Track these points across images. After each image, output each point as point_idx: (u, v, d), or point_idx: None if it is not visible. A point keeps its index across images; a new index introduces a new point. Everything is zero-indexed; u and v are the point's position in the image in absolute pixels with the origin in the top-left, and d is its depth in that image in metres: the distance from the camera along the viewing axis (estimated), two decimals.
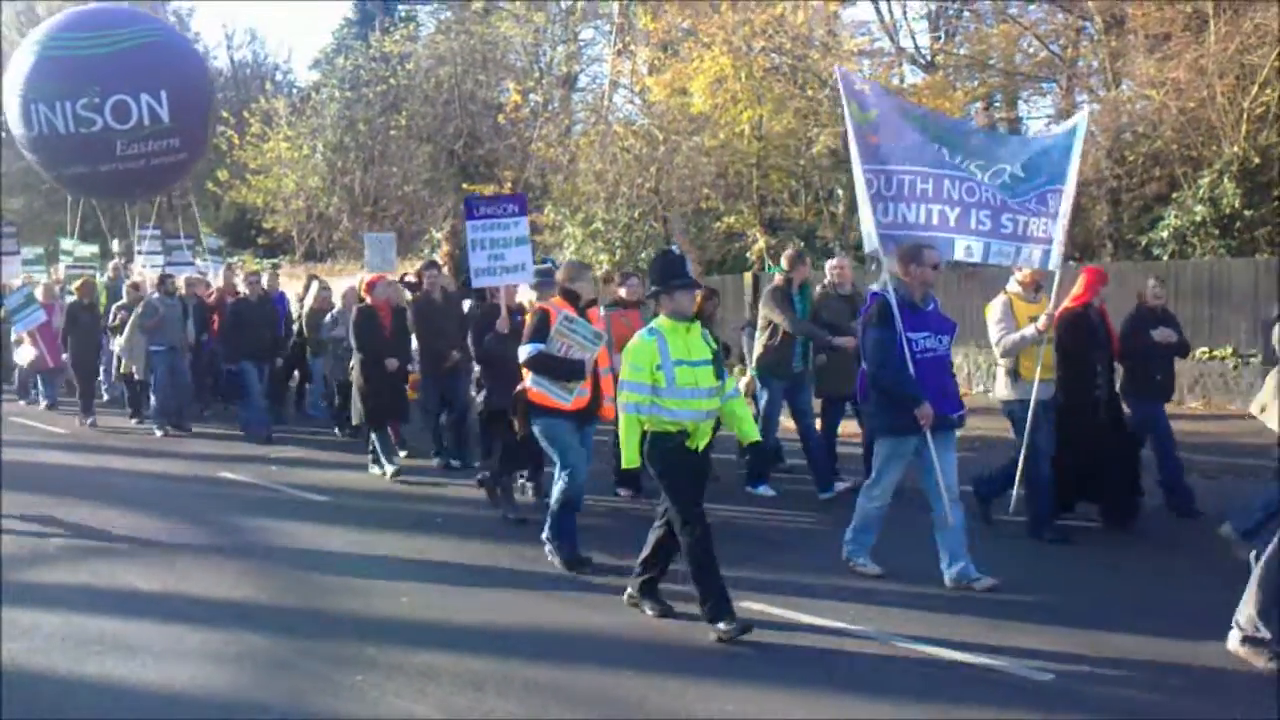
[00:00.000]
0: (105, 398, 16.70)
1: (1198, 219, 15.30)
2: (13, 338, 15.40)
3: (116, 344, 14.68)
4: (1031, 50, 22.28)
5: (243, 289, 14.48)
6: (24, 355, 15.61)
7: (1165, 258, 15.37)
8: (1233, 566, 7.21)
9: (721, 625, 5.78)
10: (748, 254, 20.48)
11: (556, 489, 7.37)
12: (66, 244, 22.60)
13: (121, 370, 14.62)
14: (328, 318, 13.40)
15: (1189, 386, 13.95)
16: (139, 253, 19.83)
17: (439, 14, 33.79)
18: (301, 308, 14.97)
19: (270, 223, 29.81)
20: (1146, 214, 17.25)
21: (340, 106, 28.49)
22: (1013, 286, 8.07)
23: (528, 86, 27.25)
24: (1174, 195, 16.30)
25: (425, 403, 11.40)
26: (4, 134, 26.50)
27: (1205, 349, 13.98)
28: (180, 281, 15.03)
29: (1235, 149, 15.41)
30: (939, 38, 23.60)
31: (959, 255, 7.79)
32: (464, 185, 25.33)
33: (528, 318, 7.69)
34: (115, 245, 22.50)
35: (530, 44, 28.85)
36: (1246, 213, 15.10)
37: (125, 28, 18.40)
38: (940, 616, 6.18)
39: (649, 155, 20.38)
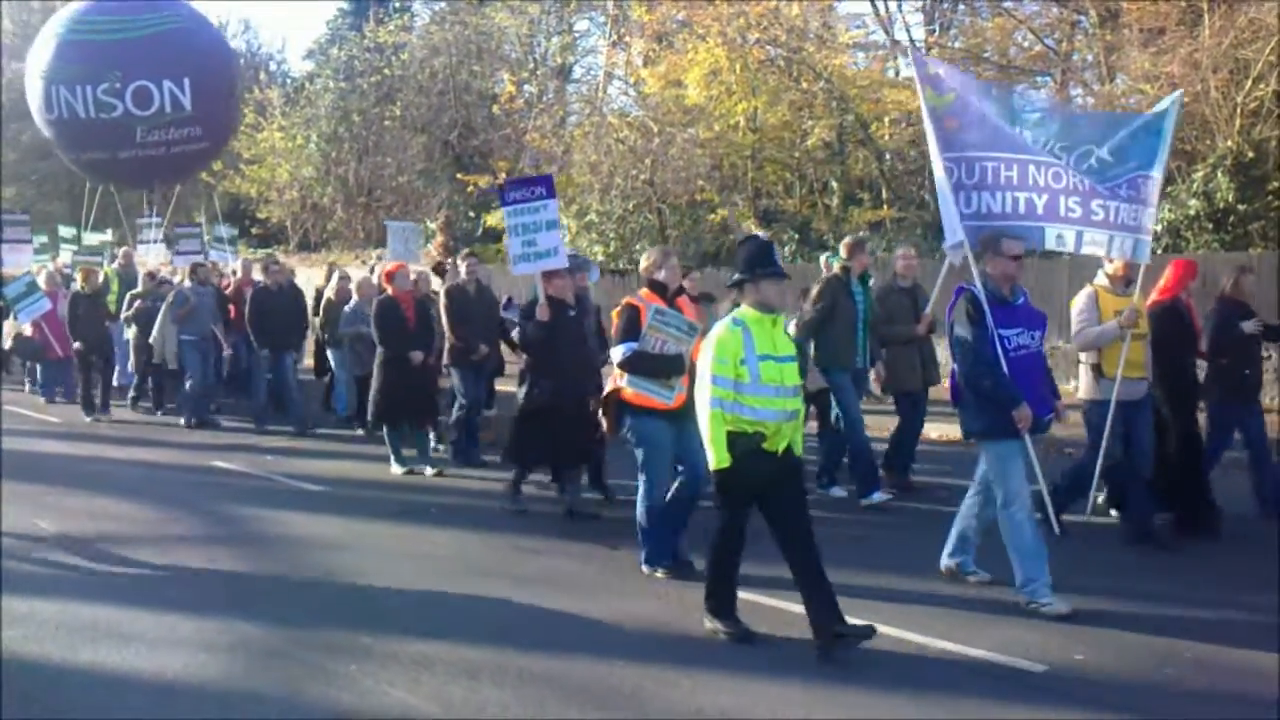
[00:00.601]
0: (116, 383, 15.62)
1: (1191, 213, 15.31)
2: (16, 329, 14.83)
3: (131, 334, 14.42)
4: (1026, 44, 22.26)
5: (258, 276, 14.08)
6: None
7: (1158, 251, 15.38)
8: (1232, 564, 7.25)
9: (721, 625, 5.72)
10: None
11: (638, 499, 6.87)
12: (65, 231, 22.41)
13: (154, 359, 14.15)
14: (344, 310, 12.78)
15: None
16: (141, 241, 19.60)
17: (433, 4, 33.76)
18: (322, 299, 14.65)
19: (264, 213, 29.77)
20: None
21: (335, 97, 28.50)
22: (1100, 279, 7.59)
23: (522, 77, 27.23)
24: (1168, 189, 16.30)
25: (455, 392, 11.00)
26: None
27: None
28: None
29: (1229, 143, 15.42)
30: (934, 31, 23.57)
31: (1050, 244, 7.37)
32: (458, 176, 25.34)
33: (613, 316, 7.14)
34: (110, 234, 22.37)
35: (525, 35, 28.86)
36: (1240, 207, 15.11)
37: (148, 13, 18.27)
38: (936, 610, 6.18)
39: (644, 147, 20.37)
